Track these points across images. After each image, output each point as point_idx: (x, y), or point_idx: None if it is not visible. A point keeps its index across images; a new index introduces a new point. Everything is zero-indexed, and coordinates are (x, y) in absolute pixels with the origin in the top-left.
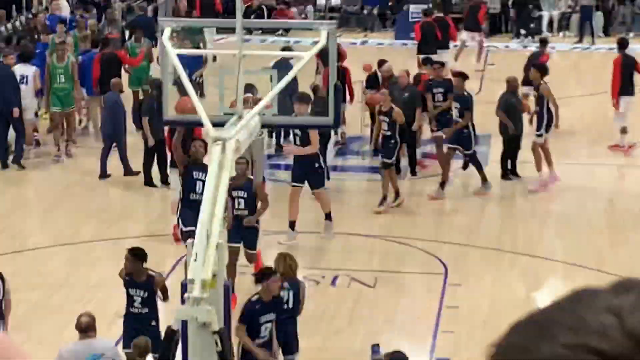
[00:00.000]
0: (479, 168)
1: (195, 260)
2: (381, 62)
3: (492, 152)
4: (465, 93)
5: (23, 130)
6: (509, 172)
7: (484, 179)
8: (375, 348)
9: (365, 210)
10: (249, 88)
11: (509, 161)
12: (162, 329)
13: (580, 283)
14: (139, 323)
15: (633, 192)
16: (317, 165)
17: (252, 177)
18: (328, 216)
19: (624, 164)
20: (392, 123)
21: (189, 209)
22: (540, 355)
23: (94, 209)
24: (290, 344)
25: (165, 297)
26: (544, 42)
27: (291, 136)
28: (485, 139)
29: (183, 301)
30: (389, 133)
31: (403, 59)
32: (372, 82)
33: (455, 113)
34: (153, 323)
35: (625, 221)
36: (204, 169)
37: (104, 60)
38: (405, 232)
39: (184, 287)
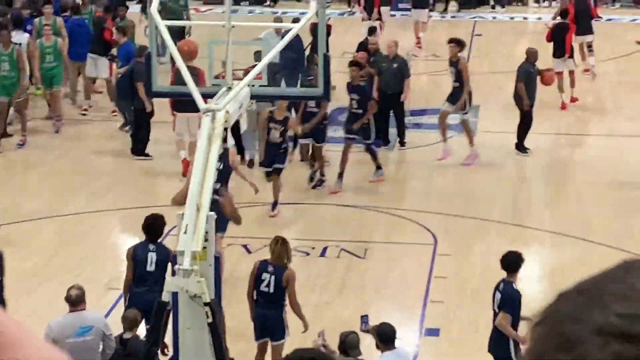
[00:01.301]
0: (374, 157)
1: (185, 232)
2: (372, 30)
3: (480, 122)
4: (362, 83)
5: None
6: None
7: (378, 167)
8: (364, 319)
9: (354, 181)
10: (258, 56)
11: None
12: None
13: (568, 253)
14: None
15: (620, 163)
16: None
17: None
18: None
19: (610, 134)
20: (283, 131)
21: None
22: (592, 324)
23: (83, 181)
24: (273, 330)
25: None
26: (565, 13)
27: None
28: (473, 110)
29: (174, 273)
30: (279, 140)
31: (391, 29)
32: (362, 48)
33: (354, 104)
34: None
35: (614, 192)
36: None
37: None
38: (395, 203)
39: (174, 259)
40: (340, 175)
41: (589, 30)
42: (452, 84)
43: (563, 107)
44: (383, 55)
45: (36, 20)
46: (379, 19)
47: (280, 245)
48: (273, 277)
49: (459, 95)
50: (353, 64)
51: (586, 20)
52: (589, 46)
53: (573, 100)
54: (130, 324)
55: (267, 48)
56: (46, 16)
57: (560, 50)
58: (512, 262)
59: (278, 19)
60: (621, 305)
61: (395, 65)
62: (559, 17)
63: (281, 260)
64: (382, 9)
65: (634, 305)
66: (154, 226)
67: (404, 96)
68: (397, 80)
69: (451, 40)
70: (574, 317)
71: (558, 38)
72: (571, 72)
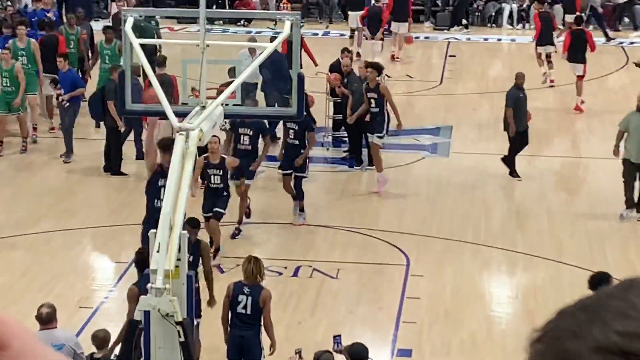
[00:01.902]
0: (300, 197)
1: (157, 250)
2: (343, 51)
3: (453, 144)
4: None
5: None
6: (514, 168)
7: (302, 209)
8: (337, 339)
9: (327, 201)
10: (232, 73)
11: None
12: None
13: (541, 274)
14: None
15: (593, 183)
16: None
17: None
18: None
19: (582, 156)
20: (223, 175)
21: None
22: (592, 341)
23: (55, 198)
24: (250, 351)
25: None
26: (579, 20)
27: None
28: (446, 131)
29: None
30: (221, 185)
31: (366, 50)
32: (335, 69)
33: (291, 134)
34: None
35: (585, 212)
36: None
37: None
38: (368, 223)
39: (146, 277)
40: (300, 208)
41: (551, 42)
42: (371, 110)
43: (577, 109)
44: (356, 76)
45: (10, 41)
46: (382, 38)
47: (253, 265)
48: (250, 298)
49: (381, 120)
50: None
51: (549, 32)
52: (548, 56)
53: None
54: (100, 342)
55: (241, 68)
56: (19, 37)
57: (577, 55)
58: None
59: (252, 39)
60: (621, 323)
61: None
62: (574, 25)
63: (255, 279)
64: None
65: (633, 324)
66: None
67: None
68: None
69: (368, 65)
70: (574, 333)
71: (575, 44)
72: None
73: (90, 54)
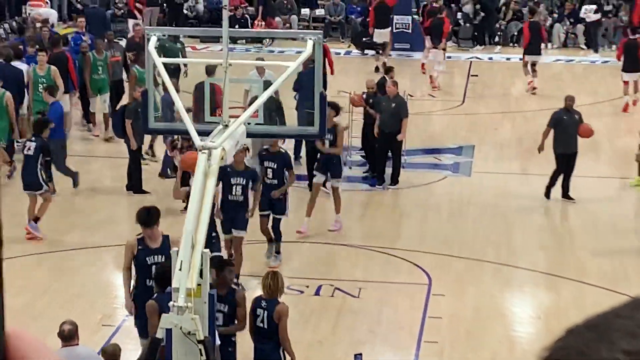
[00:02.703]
0: (278, 238)
1: (180, 269)
2: (388, 69)
3: (475, 163)
4: (282, 149)
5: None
6: (551, 191)
7: (277, 251)
8: (358, 357)
9: (348, 220)
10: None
11: (563, 181)
12: None
13: (563, 294)
14: None
15: (615, 203)
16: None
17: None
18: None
19: (604, 176)
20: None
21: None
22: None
23: (78, 216)
24: None
25: None
26: (634, 29)
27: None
28: (469, 150)
29: (168, 309)
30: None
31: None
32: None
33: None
34: None
35: (607, 232)
36: None
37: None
38: (389, 243)
39: (168, 295)
40: (277, 250)
41: (538, 52)
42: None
43: (625, 109)
44: (382, 95)
45: (30, 68)
46: (445, 48)
47: (270, 280)
48: (266, 312)
49: (337, 162)
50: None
51: (538, 42)
52: (534, 65)
53: (635, 102)
54: (109, 357)
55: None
56: (39, 64)
57: (632, 64)
58: None
59: (260, 59)
60: (628, 342)
61: (393, 105)
62: (631, 34)
63: (274, 294)
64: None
65: None
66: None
67: (400, 136)
68: (394, 120)
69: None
70: (581, 352)
71: (629, 53)
72: (636, 82)
73: (126, 76)
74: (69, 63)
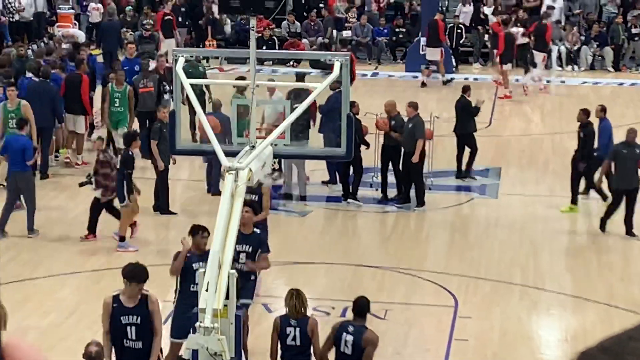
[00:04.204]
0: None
1: (206, 289)
2: (465, 88)
3: (502, 185)
4: (257, 231)
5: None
6: (606, 224)
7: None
8: None
9: (375, 242)
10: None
11: (625, 218)
12: None
13: (590, 317)
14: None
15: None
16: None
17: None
18: None
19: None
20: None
21: None
22: None
23: (104, 237)
24: None
25: None
26: None
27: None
28: (495, 172)
29: (194, 330)
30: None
31: (413, 91)
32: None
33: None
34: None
35: (636, 255)
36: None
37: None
38: (415, 264)
39: (194, 316)
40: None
41: (511, 60)
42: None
43: None
44: (401, 117)
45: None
46: (549, 53)
47: (295, 300)
48: (298, 329)
49: (263, 230)
50: (247, 203)
51: (510, 52)
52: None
53: None
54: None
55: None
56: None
57: None
58: None
59: (270, 80)
60: None
61: (410, 125)
62: None
63: (300, 312)
64: None
65: None
66: None
67: (414, 157)
68: (410, 140)
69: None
70: None
71: None
72: None
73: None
74: (82, 85)
